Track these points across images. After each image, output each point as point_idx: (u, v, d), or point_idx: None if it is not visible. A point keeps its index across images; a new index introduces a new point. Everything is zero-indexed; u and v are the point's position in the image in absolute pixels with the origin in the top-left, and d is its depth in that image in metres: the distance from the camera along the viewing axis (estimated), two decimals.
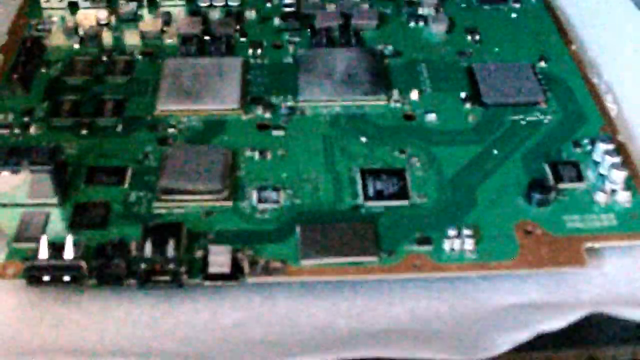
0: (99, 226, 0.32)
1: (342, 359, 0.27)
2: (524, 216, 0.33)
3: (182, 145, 0.35)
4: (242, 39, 0.42)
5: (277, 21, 0.44)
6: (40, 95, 0.38)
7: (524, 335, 0.28)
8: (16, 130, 0.36)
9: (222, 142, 0.36)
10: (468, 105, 0.38)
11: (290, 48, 0.42)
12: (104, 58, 0.40)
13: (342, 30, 0.43)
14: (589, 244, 0.32)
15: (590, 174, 0.35)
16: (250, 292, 0.31)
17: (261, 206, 0.33)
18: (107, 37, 0.42)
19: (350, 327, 0.30)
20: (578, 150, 0.36)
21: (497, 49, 0.42)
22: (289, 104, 0.38)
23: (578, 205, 0.34)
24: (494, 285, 0.31)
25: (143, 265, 0.30)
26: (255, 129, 0.37)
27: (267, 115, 0.37)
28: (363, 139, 0.36)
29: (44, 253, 0.30)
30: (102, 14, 0.43)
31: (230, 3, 0.45)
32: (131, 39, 0.42)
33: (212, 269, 0.30)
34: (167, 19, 0.43)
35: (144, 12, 0.44)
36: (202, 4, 0.45)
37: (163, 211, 0.33)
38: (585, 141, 0.36)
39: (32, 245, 0.31)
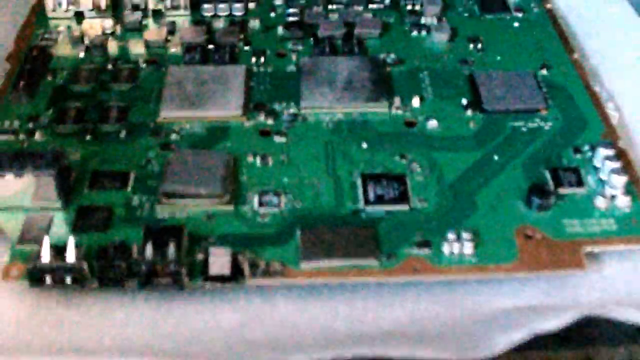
0: (101, 229, 0.32)
1: (340, 357, 0.27)
2: (524, 221, 0.33)
3: (184, 151, 0.36)
4: (246, 48, 0.43)
5: (280, 30, 0.44)
6: (45, 102, 0.39)
7: (521, 335, 0.28)
8: (21, 137, 0.37)
9: (224, 148, 0.36)
10: (469, 112, 0.38)
11: (293, 56, 0.42)
12: (109, 66, 0.41)
13: (345, 39, 0.43)
14: (588, 248, 0.32)
15: (590, 180, 0.35)
16: (251, 294, 0.31)
17: (262, 210, 0.33)
18: (112, 46, 0.42)
19: (349, 329, 0.30)
20: (578, 156, 0.36)
21: (499, 57, 0.42)
22: (292, 110, 0.38)
23: (578, 210, 0.34)
24: (494, 288, 0.32)
25: (144, 267, 0.30)
26: (258, 135, 0.37)
27: (270, 121, 0.38)
28: (364, 145, 0.36)
29: (46, 255, 0.30)
30: (108, 24, 0.44)
31: (234, 13, 0.45)
32: (136, 48, 0.42)
33: (213, 271, 0.30)
34: (172, 29, 0.44)
35: (149, 21, 0.44)
36: (207, 14, 0.45)
37: (165, 215, 0.33)
38: (586, 147, 0.36)
39: (35, 247, 0.31)
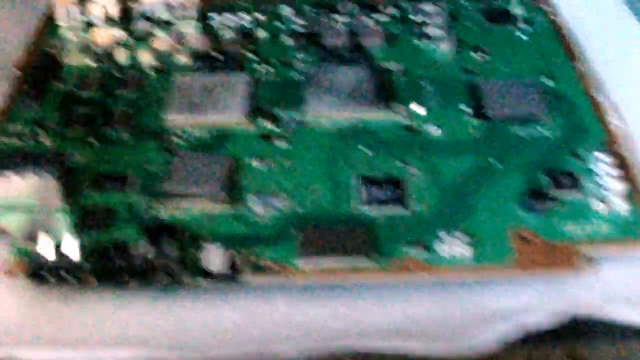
0: (102, 228, 0.33)
1: (331, 350, 0.28)
2: (521, 223, 0.33)
3: (186, 154, 0.36)
4: (252, 56, 0.43)
5: (287, 40, 0.45)
6: (53, 108, 0.39)
7: (511, 332, 0.28)
8: (28, 140, 0.37)
9: (226, 152, 0.37)
10: (471, 119, 0.39)
11: (299, 65, 0.43)
12: (117, 74, 0.42)
13: (350, 49, 0.44)
14: (584, 251, 0.32)
15: (589, 184, 0.35)
16: (247, 292, 0.31)
17: (261, 211, 0.34)
18: (121, 55, 0.43)
19: (345, 328, 0.30)
20: (578, 161, 0.36)
21: (503, 67, 0.43)
22: (294, 116, 0.39)
23: (575, 214, 0.34)
24: (490, 290, 0.32)
25: (142, 265, 0.30)
26: (260, 140, 0.38)
27: (272, 127, 0.38)
28: (365, 150, 0.37)
29: (47, 253, 0.31)
30: (118, 33, 0.44)
31: (242, 23, 0.46)
32: (144, 56, 0.43)
33: (209, 269, 0.30)
34: (181, 38, 0.44)
35: (159, 31, 0.45)
36: (215, 24, 0.46)
37: (165, 215, 0.33)
38: (586, 153, 0.37)
39: (37, 246, 0.31)
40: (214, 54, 0.43)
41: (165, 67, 0.42)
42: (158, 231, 0.32)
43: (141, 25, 0.45)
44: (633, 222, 0.34)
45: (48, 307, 0.31)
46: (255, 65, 0.42)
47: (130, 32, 0.45)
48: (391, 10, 0.47)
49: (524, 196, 0.34)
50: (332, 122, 0.38)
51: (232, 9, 0.47)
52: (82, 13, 0.45)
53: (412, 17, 0.47)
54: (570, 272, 0.32)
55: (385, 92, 0.40)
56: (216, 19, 0.46)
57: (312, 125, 0.38)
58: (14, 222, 0.33)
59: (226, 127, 0.38)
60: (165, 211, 0.34)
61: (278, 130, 0.38)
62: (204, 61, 0.42)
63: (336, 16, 0.46)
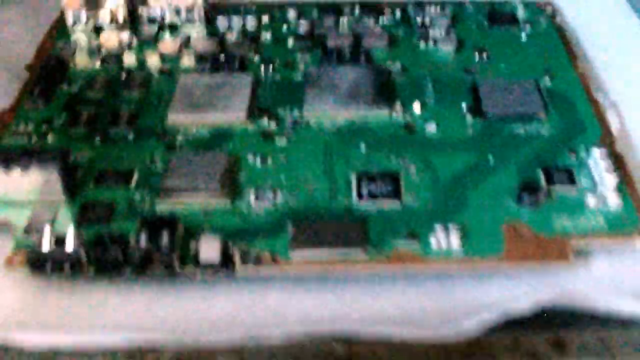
0: (103, 222, 0.34)
1: (313, 334, 0.28)
2: (514, 217, 0.34)
3: (186, 151, 0.37)
4: (256, 58, 0.44)
5: (291, 42, 0.45)
6: (60, 108, 0.40)
7: (492, 317, 0.28)
8: (34, 139, 0.38)
9: (227, 150, 0.37)
10: (468, 117, 0.39)
11: (301, 66, 0.43)
12: (123, 75, 0.42)
13: (352, 50, 0.44)
14: (575, 243, 0.33)
15: (583, 180, 0.36)
16: (241, 283, 0.32)
17: (257, 205, 0.34)
18: (127, 57, 0.44)
19: (336, 317, 0.31)
20: (573, 157, 0.37)
21: (503, 67, 0.43)
22: (294, 115, 0.40)
23: (568, 208, 0.34)
24: (479, 282, 0.32)
25: (138, 256, 0.31)
26: (260, 138, 0.38)
27: (272, 125, 0.39)
28: (362, 147, 0.37)
29: (46, 244, 0.31)
30: (125, 36, 0.45)
31: (247, 26, 0.47)
32: (150, 59, 0.44)
33: (203, 259, 0.31)
34: (186, 41, 0.45)
35: (165, 35, 0.46)
36: (221, 27, 0.47)
37: (164, 209, 0.34)
38: (581, 149, 0.37)
39: (38, 237, 0.32)
40: (219, 55, 0.44)
41: (171, 69, 0.43)
42: (156, 224, 0.32)
43: (148, 29, 0.46)
44: (624, 216, 0.34)
45: (47, 296, 0.32)
46: (258, 66, 0.43)
47: (138, 35, 0.46)
48: (395, 13, 0.48)
49: (517, 190, 0.35)
50: (331, 121, 0.39)
51: (238, 12, 0.48)
52: (91, 17, 0.46)
53: (415, 19, 0.47)
54: (561, 265, 0.32)
55: (384, 91, 0.40)
56: (222, 22, 0.47)
57: (311, 124, 0.39)
58: (17, 216, 0.34)
59: (227, 126, 0.39)
60: (164, 206, 0.34)
61: (278, 129, 0.39)
62: (209, 63, 0.43)
63: (340, 19, 0.47)
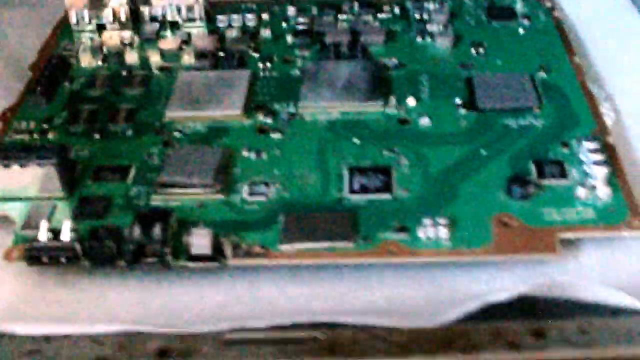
0: (99, 216, 0.34)
1: (294, 322, 0.29)
2: (504, 209, 0.34)
3: (182, 146, 0.38)
4: (254, 54, 0.45)
5: (290, 38, 0.46)
6: (62, 106, 0.41)
7: (472, 305, 0.29)
8: (35, 136, 0.39)
9: (222, 145, 0.38)
10: (462, 110, 0.40)
11: (299, 62, 0.44)
12: (124, 73, 0.43)
13: (350, 46, 0.45)
14: (564, 235, 0.33)
15: (574, 172, 0.36)
16: (232, 274, 0.33)
17: (250, 199, 0.35)
18: (129, 55, 0.45)
19: (325, 308, 0.31)
20: (565, 150, 0.37)
21: (499, 61, 0.44)
22: (290, 109, 0.40)
23: (558, 200, 0.35)
24: (467, 272, 0.33)
25: (132, 247, 0.32)
26: (256, 132, 0.39)
27: (268, 120, 0.40)
28: (356, 141, 0.38)
29: (43, 236, 0.32)
30: (126, 34, 0.46)
31: (247, 23, 0.47)
32: (151, 56, 0.45)
33: (194, 251, 0.32)
34: (187, 39, 0.46)
35: (167, 33, 0.47)
36: (221, 25, 0.47)
37: (160, 203, 0.35)
38: (573, 141, 0.37)
39: (36, 232, 0.33)
40: (218, 52, 0.45)
41: (172, 66, 0.44)
42: (150, 217, 0.33)
43: (150, 27, 0.47)
44: (613, 208, 0.34)
45: (44, 288, 0.33)
46: (256, 63, 0.44)
47: (140, 34, 0.46)
48: (393, 8, 0.48)
49: (507, 182, 0.35)
50: (326, 115, 0.40)
51: (238, 10, 0.48)
52: (94, 16, 0.47)
53: (414, 14, 0.47)
54: (549, 256, 0.32)
55: (379, 85, 0.41)
56: (222, 19, 0.47)
57: (306, 118, 0.40)
58: (17, 210, 0.35)
59: (223, 121, 0.40)
60: (159, 199, 0.35)
61: (273, 123, 0.39)
62: (209, 60, 0.44)
63: (339, 15, 0.48)
